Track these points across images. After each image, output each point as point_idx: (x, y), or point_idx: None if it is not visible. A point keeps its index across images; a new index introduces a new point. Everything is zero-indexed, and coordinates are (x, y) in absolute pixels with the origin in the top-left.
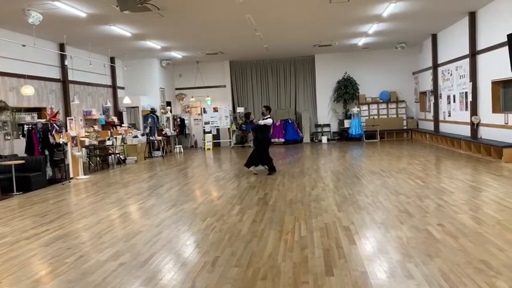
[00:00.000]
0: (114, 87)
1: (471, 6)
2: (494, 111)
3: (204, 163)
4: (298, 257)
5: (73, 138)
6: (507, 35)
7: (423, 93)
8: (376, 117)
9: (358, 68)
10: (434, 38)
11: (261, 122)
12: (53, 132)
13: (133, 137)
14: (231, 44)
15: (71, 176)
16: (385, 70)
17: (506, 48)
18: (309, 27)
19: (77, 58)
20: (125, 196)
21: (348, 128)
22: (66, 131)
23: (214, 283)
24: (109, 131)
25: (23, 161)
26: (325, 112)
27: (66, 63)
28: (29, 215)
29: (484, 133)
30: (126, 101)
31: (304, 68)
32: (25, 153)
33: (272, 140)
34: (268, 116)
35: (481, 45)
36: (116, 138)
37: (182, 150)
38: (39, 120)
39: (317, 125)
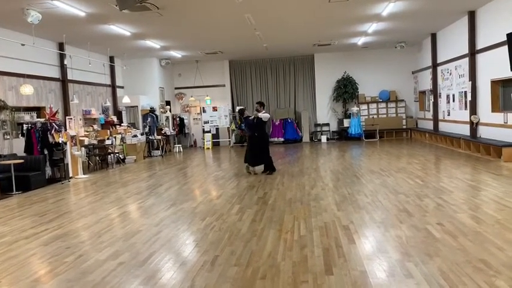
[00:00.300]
0: (113, 86)
1: (471, 6)
2: (493, 110)
3: (203, 162)
4: (298, 256)
5: (72, 137)
6: (506, 34)
7: (422, 93)
8: (375, 116)
9: (358, 67)
10: (433, 37)
11: (260, 115)
12: (52, 131)
13: (132, 137)
14: (230, 43)
15: (70, 175)
16: (385, 69)
17: (505, 48)
18: (309, 26)
19: (76, 57)
20: (124, 195)
21: (347, 127)
22: (66, 130)
23: (214, 282)
24: (108, 131)
25: (22, 161)
26: (325, 111)
27: (65, 62)
28: (28, 215)
29: (483, 132)
30: (125, 100)
31: (303, 67)
32: (24, 152)
33: (271, 140)
34: (263, 111)
35: (480, 44)
36: (115, 137)
37: (181, 150)
38: (39, 119)
39: (316, 125)
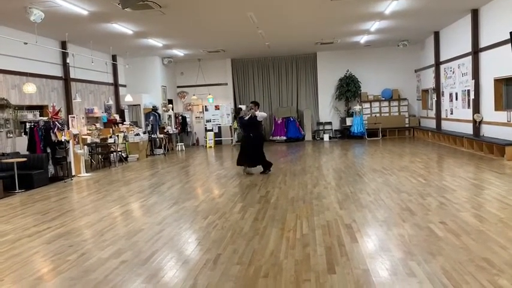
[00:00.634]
0: (115, 85)
1: (474, 4)
2: (496, 109)
3: (205, 161)
4: (300, 255)
5: (75, 136)
6: (510, 33)
7: (425, 91)
8: (378, 115)
9: (360, 65)
10: (436, 35)
11: (257, 114)
12: (55, 130)
13: (135, 135)
14: (232, 41)
15: (73, 173)
16: (387, 68)
17: (509, 46)
18: (311, 24)
19: (79, 56)
20: (126, 194)
21: (350, 126)
22: (68, 128)
23: (216, 281)
24: (111, 129)
25: (25, 159)
26: (327, 110)
27: (68, 61)
28: (31, 213)
29: (487, 131)
30: (127, 98)
31: (306, 65)
32: (27, 151)
33: (274, 138)
34: (258, 110)
35: (483, 42)
36: (117, 136)
37: (184, 148)
38: (41, 118)
39: (319, 123)
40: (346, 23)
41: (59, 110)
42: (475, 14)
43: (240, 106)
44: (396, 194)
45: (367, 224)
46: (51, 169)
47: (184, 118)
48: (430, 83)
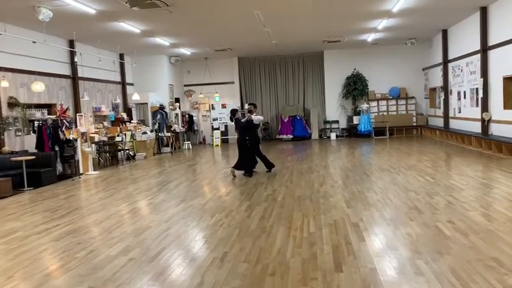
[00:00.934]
0: (123, 83)
1: (482, 1)
2: (505, 107)
3: (212, 159)
4: (307, 254)
5: (83, 134)
6: None
7: (433, 90)
8: (385, 113)
9: (368, 64)
10: (444, 33)
11: (254, 117)
12: (63, 128)
13: (142, 133)
14: (239, 40)
15: (81, 171)
16: (395, 66)
17: None
18: (318, 23)
19: (87, 55)
20: (134, 192)
21: (357, 124)
22: (76, 127)
23: (223, 279)
24: (118, 127)
25: (33, 157)
26: (334, 108)
27: (75, 59)
28: (39, 210)
29: (495, 130)
30: (135, 97)
31: (312, 64)
32: (35, 149)
33: (280, 136)
34: (255, 113)
35: (492, 40)
36: (125, 134)
37: (191, 147)
38: (50, 116)
39: (326, 122)
40: (353, 21)
41: (67, 109)
42: (483, 12)
43: (235, 108)
44: (404, 193)
45: (374, 222)
46: (59, 167)
47: (191, 117)
48: (438, 82)
